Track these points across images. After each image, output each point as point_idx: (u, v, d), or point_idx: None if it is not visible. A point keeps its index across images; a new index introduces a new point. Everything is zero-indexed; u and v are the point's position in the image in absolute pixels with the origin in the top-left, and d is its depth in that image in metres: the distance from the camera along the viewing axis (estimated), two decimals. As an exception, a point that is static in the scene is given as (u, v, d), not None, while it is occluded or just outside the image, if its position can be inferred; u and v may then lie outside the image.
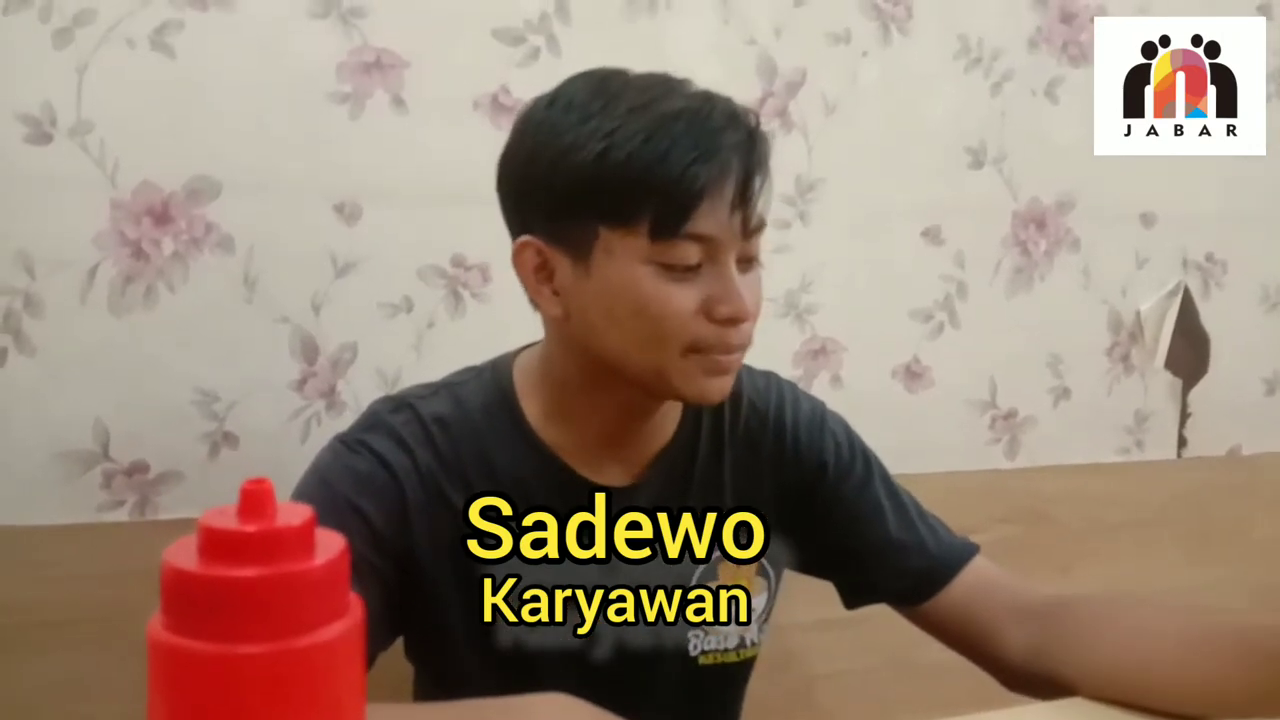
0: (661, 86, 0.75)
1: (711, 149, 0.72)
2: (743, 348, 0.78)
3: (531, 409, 0.84)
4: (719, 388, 0.78)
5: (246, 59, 1.08)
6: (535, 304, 0.81)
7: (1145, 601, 0.85)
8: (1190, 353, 1.57)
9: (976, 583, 0.89)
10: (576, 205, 0.74)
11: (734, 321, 0.75)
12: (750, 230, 0.75)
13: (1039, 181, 1.45)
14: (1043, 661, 0.83)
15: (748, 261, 0.77)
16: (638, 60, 0.79)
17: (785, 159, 1.31)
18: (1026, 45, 1.42)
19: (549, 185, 0.75)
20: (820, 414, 0.93)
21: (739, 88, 1.24)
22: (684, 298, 0.74)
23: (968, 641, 0.89)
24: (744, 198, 0.73)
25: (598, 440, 0.83)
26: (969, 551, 0.91)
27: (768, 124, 1.28)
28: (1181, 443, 1.60)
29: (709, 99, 0.75)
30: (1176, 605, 0.84)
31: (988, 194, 1.43)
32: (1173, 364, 1.56)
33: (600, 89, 0.75)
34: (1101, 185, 1.47)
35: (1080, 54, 1.45)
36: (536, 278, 0.78)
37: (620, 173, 0.72)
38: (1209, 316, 1.58)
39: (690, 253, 0.73)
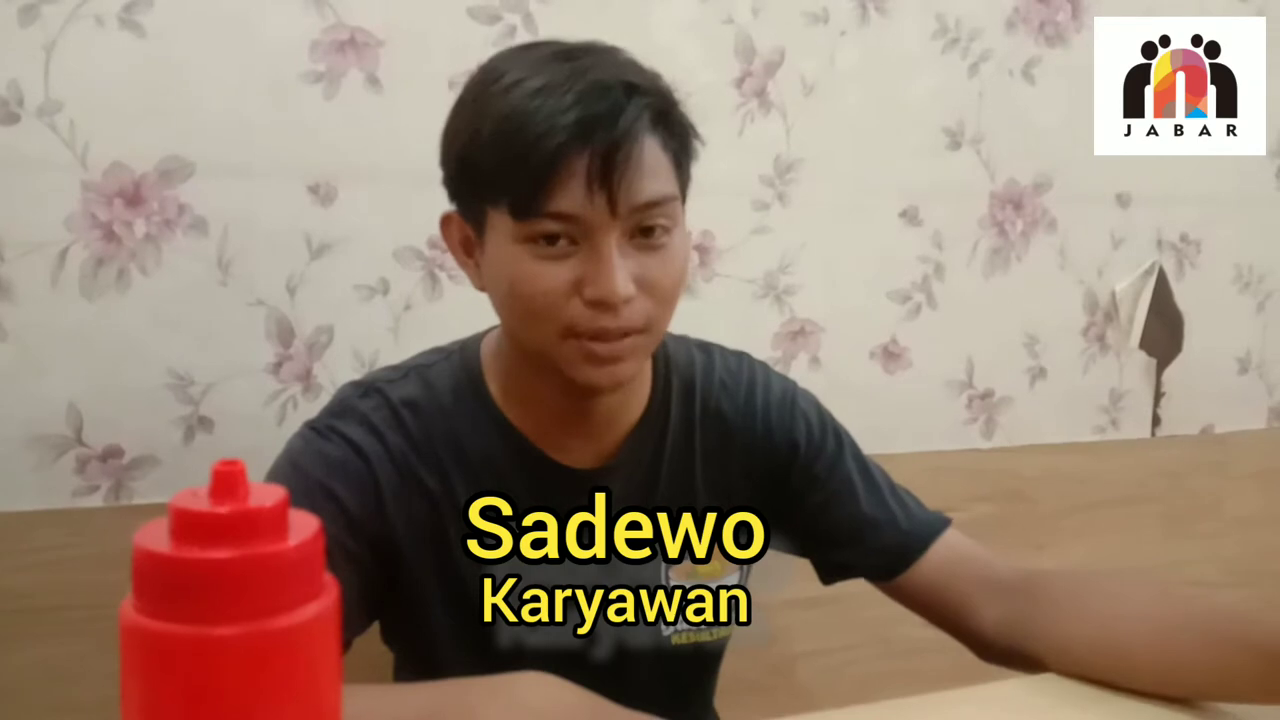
0: (553, 58, 0.72)
1: (561, 123, 0.68)
2: (633, 332, 0.73)
3: (496, 390, 0.83)
4: (608, 375, 0.75)
5: (218, 37, 1.06)
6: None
7: (1116, 580, 0.85)
8: (1164, 332, 1.58)
9: (949, 556, 0.89)
10: (464, 184, 0.75)
11: (604, 305, 0.71)
12: (623, 209, 0.70)
13: (1016, 162, 1.46)
14: (1016, 637, 0.84)
15: (649, 238, 0.73)
16: (614, 38, 0.77)
17: (764, 140, 1.31)
18: (1004, 26, 1.42)
19: (447, 163, 0.77)
20: (791, 394, 0.92)
21: (717, 67, 1.25)
22: (554, 278, 0.72)
23: (942, 614, 0.90)
24: (605, 174, 0.69)
25: (555, 421, 0.83)
26: (940, 525, 0.91)
27: (745, 104, 1.29)
28: (1156, 422, 1.61)
29: (588, 69, 0.71)
30: (1147, 584, 0.84)
31: (965, 175, 1.43)
32: (1147, 344, 1.57)
33: (501, 65, 0.74)
34: (1078, 166, 1.47)
35: (1057, 34, 1.45)
36: (463, 250, 0.79)
37: (484, 152, 0.71)
38: (1183, 296, 1.59)
39: (554, 231, 0.71)
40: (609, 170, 0.69)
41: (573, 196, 0.70)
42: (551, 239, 0.71)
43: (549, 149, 0.68)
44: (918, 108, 1.39)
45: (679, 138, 0.75)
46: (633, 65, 0.74)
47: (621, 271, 0.71)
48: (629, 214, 0.71)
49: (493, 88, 0.72)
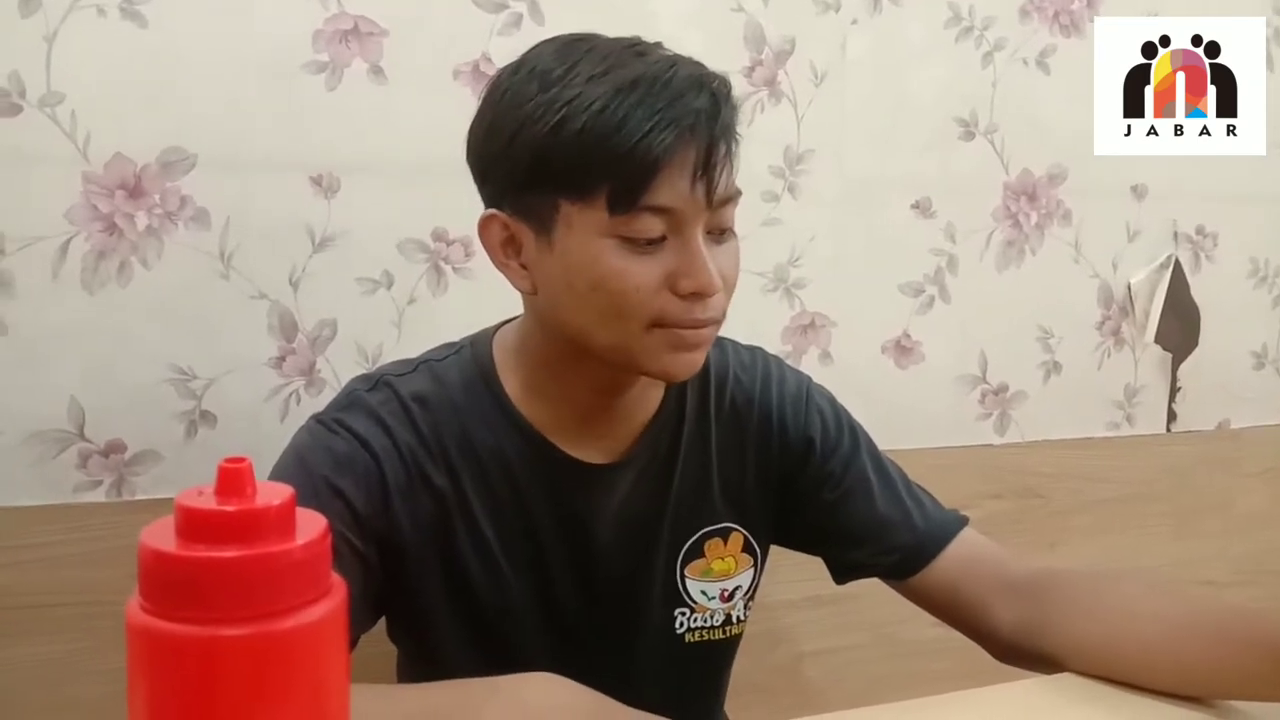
0: (626, 51, 0.72)
1: (668, 117, 0.69)
2: (713, 323, 0.75)
3: (511, 385, 0.82)
4: (687, 364, 0.75)
5: (220, 27, 1.05)
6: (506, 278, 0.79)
7: (1131, 580, 0.85)
8: (1180, 327, 1.57)
9: (964, 556, 0.88)
10: (535, 178, 0.72)
11: (699, 296, 0.73)
12: (716, 201, 0.72)
13: (1030, 153, 1.44)
14: (1031, 637, 0.83)
15: (720, 232, 0.75)
16: (623, 27, 0.77)
17: (774, 130, 1.30)
18: (1018, 14, 1.41)
19: (509, 157, 0.73)
20: (806, 389, 0.92)
21: (726, 56, 1.24)
22: (646, 272, 0.72)
23: (957, 614, 0.89)
24: (707, 167, 0.70)
25: (577, 417, 0.82)
26: (957, 525, 0.90)
27: (755, 93, 1.27)
28: (1171, 417, 1.60)
29: (673, 64, 0.72)
30: (1162, 584, 0.84)
31: (979, 166, 1.42)
32: (1163, 338, 1.56)
33: (563, 56, 0.73)
34: (1092, 157, 1.45)
35: (1071, 24, 1.44)
36: (504, 252, 0.77)
37: (575, 144, 0.69)
38: (1198, 290, 1.58)
39: (651, 225, 0.71)
40: (710, 165, 0.71)
41: (675, 189, 0.70)
42: (649, 233, 0.71)
43: (661, 143, 0.69)
44: (930, 98, 1.38)
45: (736, 136, 0.76)
46: (702, 63, 0.75)
47: (713, 263, 0.72)
48: (717, 207, 0.73)
49: (567, 79, 0.71)
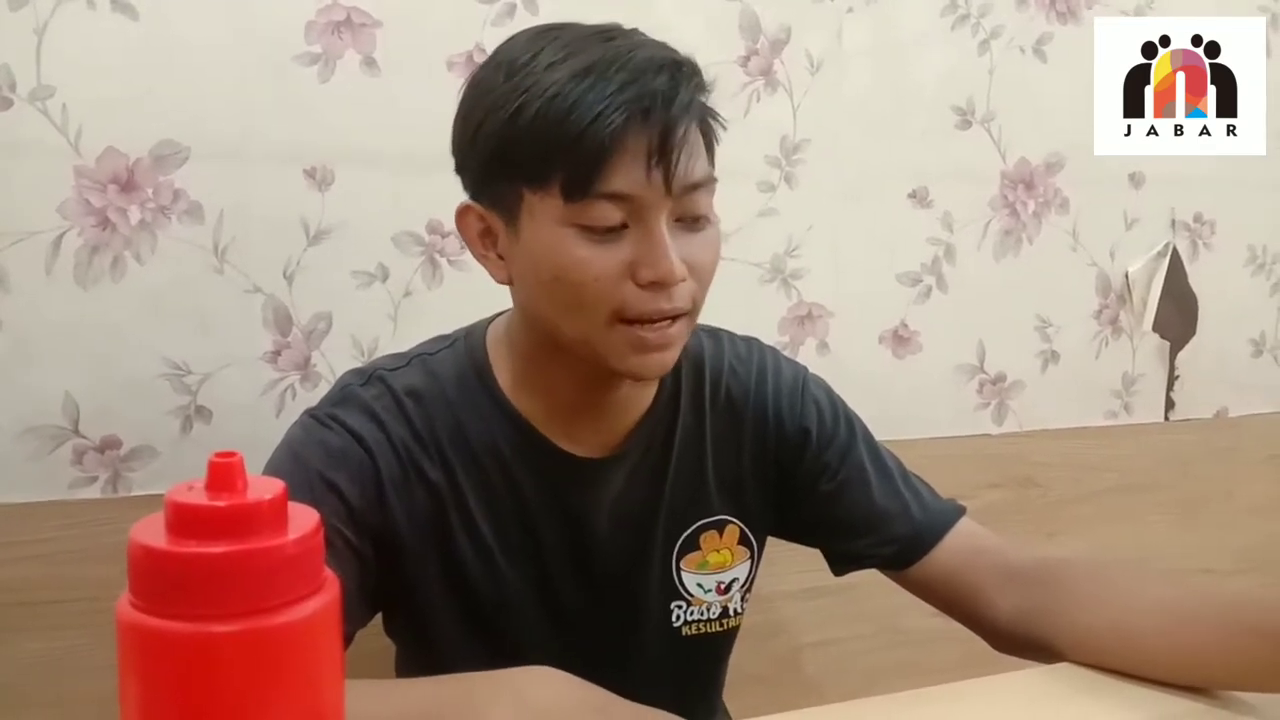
0: (593, 38, 0.71)
1: (619, 102, 0.67)
2: (680, 314, 0.73)
3: (504, 378, 0.82)
4: (656, 364, 0.74)
5: (212, 19, 1.04)
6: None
7: (1132, 569, 0.84)
8: (1178, 315, 1.57)
9: (963, 546, 0.88)
10: (499, 167, 0.72)
11: (660, 285, 0.71)
12: (677, 187, 0.70)
13: (1027, 142, 1.44)
14: (1030, 627, 0.83)
15: (693, 220, 0.73)
16: (617, 15, 0.76)
17: (770, 120, 1.30)
18: (1015, 2, 1.41)
19: (476, 147, 0.74)
20: (802, 380, 0.91)
21: (721, 45, 1.23)
22: (606, 261, 0.71)
23: (955, 604, 0.88)
24: (663, 152, 0.69)
25: (568, 410, 0.82)
26: (954, 514, 0.90)
27: (751, 83, 1.27)
28: (1169, 406, 1.60)
29: (632, 49, 0.70)
30: (1163, 573, 0.83)
31: (976, 154, 1.42)
32: (1161, 326, 1.56)
33: (531, 45, 0.72)
34: (1090, 145, 1.45)
35: (1068, 10, 1.43)
36: (481, 243, 0.77)
37: (529, 131, 0.69)
38: (1196, 278, 1.58)
39: (608, 213, 0.70)
40: (667, 149, 0.69)
41: (630, 176, 0.69)
42: (607, 221, 0.70)
43: (609, 127, 0.67)
44: (927, 86, 1.38)
45: (711, 120, 0.75)
46: (669, 46, 0.73)
47: (674, 252, 0.71)
48: (680, 194, 0.71)
49: (529, 66, 0.70)
